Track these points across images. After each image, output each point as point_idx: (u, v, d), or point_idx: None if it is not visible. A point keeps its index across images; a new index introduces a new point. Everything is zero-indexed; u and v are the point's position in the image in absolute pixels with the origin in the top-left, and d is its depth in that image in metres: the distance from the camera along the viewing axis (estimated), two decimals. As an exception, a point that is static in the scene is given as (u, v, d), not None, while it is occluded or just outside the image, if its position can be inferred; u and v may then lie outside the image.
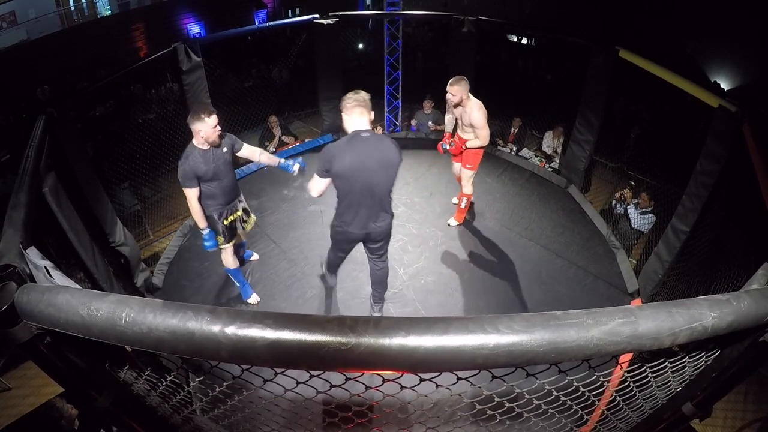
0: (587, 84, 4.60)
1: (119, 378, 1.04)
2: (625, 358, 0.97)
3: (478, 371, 0.75)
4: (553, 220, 4.54)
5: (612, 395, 1.18)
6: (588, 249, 4.19)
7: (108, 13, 12.04)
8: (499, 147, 6.00)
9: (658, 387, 1.10)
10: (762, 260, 0.96)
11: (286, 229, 4.24)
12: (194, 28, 12.96)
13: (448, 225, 4.30)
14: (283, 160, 3.08)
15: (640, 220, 4.55)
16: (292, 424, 1.43)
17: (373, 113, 2.45)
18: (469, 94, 3.51)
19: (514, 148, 6.07)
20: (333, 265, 3.15)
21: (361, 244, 2.85)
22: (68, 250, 2.48)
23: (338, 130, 5.88)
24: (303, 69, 7.35)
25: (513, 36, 10.97)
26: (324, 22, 5.11)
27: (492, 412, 1.07)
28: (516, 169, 5.43)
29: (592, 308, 0.72)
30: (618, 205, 4.94)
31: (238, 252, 3.60)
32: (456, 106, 3.56)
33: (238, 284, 3.42)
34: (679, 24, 8.47)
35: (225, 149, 2.82)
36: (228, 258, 3.19)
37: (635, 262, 4.17)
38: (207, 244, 3.00)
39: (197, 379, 1.07)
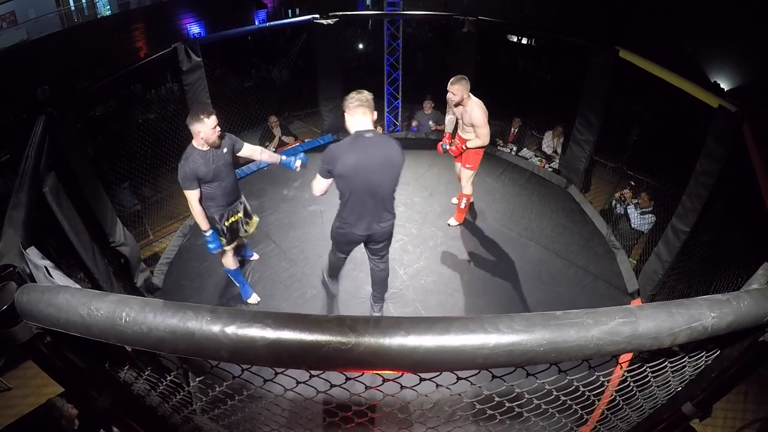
0: (587, 84, 4.60)
1: (119, 378, 1.04)
2: (625, 357, 0.97)
3: (478, 371, 0.75)
4: (553, 220, 4.54)
5: (612, 395, 1.18)
6: (588, 249, 4.19)
7: (108, 13, 12.03)
8: (499, 147, 6.00)
9: (658, 387, 1.10)
10: (762, 260, 0.96)
11: (286, 229, 4.24)
12: (194, 28, 12.96)
13: (448, 225, 4.31)
14: (284, 157, 3.05)
15: (640, 220, 4.55)
16: (292, 424, 1.43)
17: (376, 113, 2.43)
18: (470, 94, 3.52)
19: (514, 148, 6.07)
20: (334, 268, 3.11)
21: (362, 245, 2.84)
22: (68, 250, 2.47)
23: (338, 130, 5.88)
24: (303, 69, 7.35)
25: (513, 36, 10.96)
26: (324, 22, 5.12)
27: (492, 412, 1.07)
28: (516, 169, 5.43)
29: (592, 308, 0.72)
30: (618, 205, 4.94)
31: (240, 252, 3.60)
32: (457, 105, 3.57)
33: (238, 284, 3.42)
34: (679, 24, 8.47)
35: (225, 150, 2.79)
36: (228, 259, 3.18)
37: (635, 262, 4.17)
38: (211, 246, 2.96)
39: (197, 379, 1.07)
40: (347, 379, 0.86)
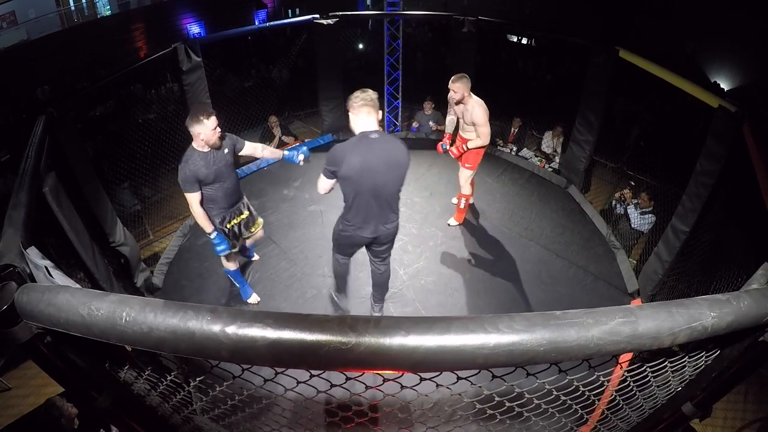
0: (587, 84, 4.60)
1: (119, 378, 1.04)
2: (625, 357, 0.98)
3: (478, 371, 0.75)
4: (553, 220, 4.54)
5: (612, 395, 1.18)
6: (588, 249, 4.19)
7: (108, 13, 12.03)
8: (499, 147, 6.00)
9: (658, 387, 1.10)
10: (762, 260, 0.96)
11: (286, 229, 4.24)
12: (194, 28, 12.96)
13: (448, 225, 4.31)
14: (286, 152, 2.99)
15: (640, 220, 4.56)
16: (292, 424, 1.43)
17: (381, 112, 2.37)
18: (471, 93, 3.52)
19: (514, 148, 6.07)
20: (340, 278, 3.06)
21: (363, 247, 2.82)
22: (68, 250, 2.47)
23: (338, 130, 5.88)
24: (303, 69, 7.35)
25: (513, 36, 10.97)
26: (324, 22, 5.12)
27: (492, 412, 1.07)
28: (516, 169, 5.43)
29: (592, 308, 0.72)
30: (618, 205, 4.94)
31: (244, 253, 3.58)
32: (458, 103, 3.57)
33: (237, 285, 3.41)
34: (679, 24, 8.48)
35: (226, 150, 2.74)
36: (229, 261, 3.15)
37: (635, 262, 4.17)
38: (219, 248, 2.88)
39: (197, 379, 1.07)
40: (347, 378, 0.86)
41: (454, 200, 4.51)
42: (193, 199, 2.68)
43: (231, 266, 3.20)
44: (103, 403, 0.92)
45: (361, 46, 9.09)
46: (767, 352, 0.85)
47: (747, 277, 0.94)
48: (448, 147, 3.92)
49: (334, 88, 5.60)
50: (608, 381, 1.04)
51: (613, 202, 5.05)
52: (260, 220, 3.23)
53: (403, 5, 6.20)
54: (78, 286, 0.86)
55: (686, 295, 3.17)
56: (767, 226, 2.12)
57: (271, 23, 6.93)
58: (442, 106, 5.98)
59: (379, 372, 0.75)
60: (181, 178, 2.62)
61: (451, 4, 11.58)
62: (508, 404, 1.05)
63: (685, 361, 1.00)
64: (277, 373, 0.86)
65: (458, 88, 3.45)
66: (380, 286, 3.05)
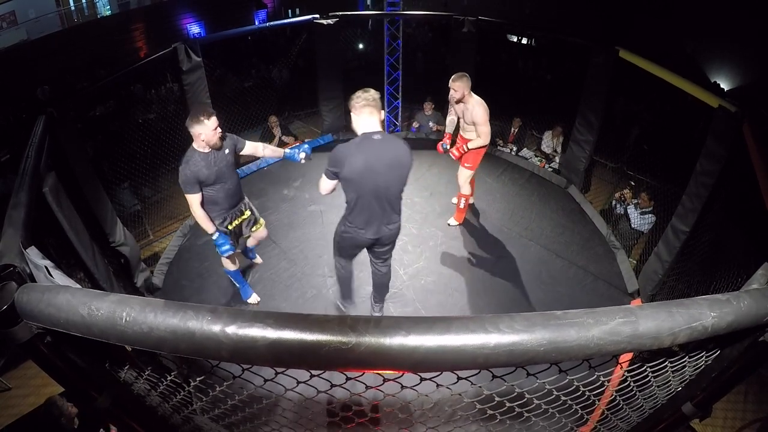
0: (587, 84, 4.60)
1: (119, 378, 1.04)
2: (625, 357, 0.97)
3: (478, 371, 0.75)
4: (553, 220, 4.54)
5: (612, 395, 1.18)
6: (588, 249, 4.19)
7: (108, 13, 12.04)
8: (499, 147, 6.00)
9: (658, 387, 1.10)
10: (762, 260, 0.96)
11: (286, 229, 4.24)
12: (194, 28, 12.96)
13: (448, 225, 4.31)
14: (288, 150, 2.98)
15: (640, 220, 4.56)
16: (292, 424, 1.43)
17: (383, 112, 2.37)
18: (471, 92, 3.52)
19: (514, 148, 6.07)
20: (344, 283, 3.04)
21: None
22: (68, 249, 2.47)
23: (338, 130, 5.88)
24: (303, 69, 7.35)
25: (513, 36, 10.97)
26: (324, 22, 5.12)
27: (492, 412, 1.07)
28: (516, 169, 5.43)
29: (592, 308, 0.72)
30: (618, 205, 4.94)
31: (246, 254, 3.56)
32: (458, 102, 3.57)
33: (237, 285, 3.41)
34: (679, 24, 8.48)
35: (227, 151, 2.71)
36: (228, 261, 3.14)
37: (635, 262, 4.17)
38: (223, 248, 2.84)
39: (197, 379, 1.07)
40: (348, 379, 0.86)
41: (454, 200, 4.50)
42: (194, 200, 2.66)
43: (231, 266, 3.20)
44: (103, 403, 0.92)
45: (361, 46, 9.09)
46: (767, 352, 0.85)
47: (747, 277, 0.94)
48: (448, 147, 3.92)
49: (334, 88, 5.61)
50: (608, 381, 1.04)
51: (613, 202, 5.05)
52: (262, 221, 3.22)
53: (403, 5, 6.20)
54: (78, 286, 0.86)
55: (686, 295, 3.16)
56: (767, 226, 2.12)
57: (271, 23, 6.93)
58: (442, 107, 5.99)
59: (380, 372, 0.75)
60: (181, 180, 2.60)
61: (451, 4, 11.58)
62: (508, 404, 1.05)
63: (685, 361, 1.00)
64: (277, 373, 0.86)
65: (458, 86, 3.45)
66: (381, 287, 3.04)
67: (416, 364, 0.68)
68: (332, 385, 0.92)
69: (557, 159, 5.78)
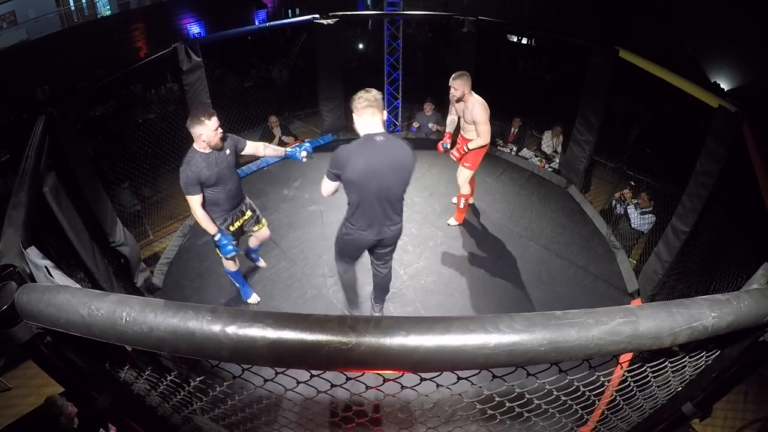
0: (587, 84, 4.60)
1: (119, 378, 1.04)
2: (626, 357, 0.98)
3: (478, 371, 0.75)
4: (553, 220, 4.54)
5: (612, 395, 1.18)
6: (588, 249, 4.19)
7: (108, 13, 12.04)
8: (499, 147, 6.00)
9: (658, 387, 1.10)
10: (762, 260, 0.96)
11: (286, 229, 4.24)
12: (194, 28, 12.96)
13: (448, 225, 4.31)
14: (289, 149, 2.97)
15: (640, 220, 4.56)
16: (292, 424, 1.43)
17: (385, 113, 2.36)
18: (472, 91, 3.53)
19: (514, 148, 6.07)
20: (349, 288, 3.01)
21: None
22: (68, 249, 2.47)
23: (338, 130, 5.89)
24: (303, 69, 7.35)
25: (513, 36, 10.97)
26: (324, 22, 5.12)
27: (492, 412, 1.07)
28: (516, 169, 5.43)
29: (593, 308, 0.72)
30: (618, 205, 4.94)
31: (249, 256, 3.54)
32: (458, 101, 3.57)
33: (238, 285, 3.41)
34: (679, 24, 8.48)
35: (228, 151, 2.70)
36: (229, 261, 3.12)
37: (635, 262, 4.17)
38: (227, 249, 2.80)
39: (197, 379, 1.07)
40: (348, 379, 0.86)
41: (454, 200, 4.51)
42: (195, 201, 2.65)
43: (231, 267, 3.19)
44: (103, 403, 0.92)
45: (361, 46, 9.09)
46: (767, 352, 0.85)
47: (747, 277, 0.94)
48: (448, 147, 3.92)
49: (334, 88, 5.61)
50: (608, 381, 1.04)
51: (613, 202, 5.05)
52: (264, 221, 3.21)
53: (403, 5, 6.20)
54: (78, 286, 0.86)
55: (686, 295, 3.16)
56: (767, 226, 2.12)
57: (271, 23, 6.93)
58: (442, 108, 5.99)
59: (380, 372, 0.74)
60: (182, 181, 2.58)
61: (451, 4, 11.58)
62: (508, 404, 1.05)
63: (685, 361, 1.00)
64: (277, 373, 0.85)
65: (459, 85, 3.46)
66: (381, 288, 3.04)
67: (416, 365, 0.67)
68: (332, 386, 0.92)
69: (557, 159, 5.78)
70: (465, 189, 4.04)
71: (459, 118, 3.84)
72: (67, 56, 10.05)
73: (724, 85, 8.35)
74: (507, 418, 1.11)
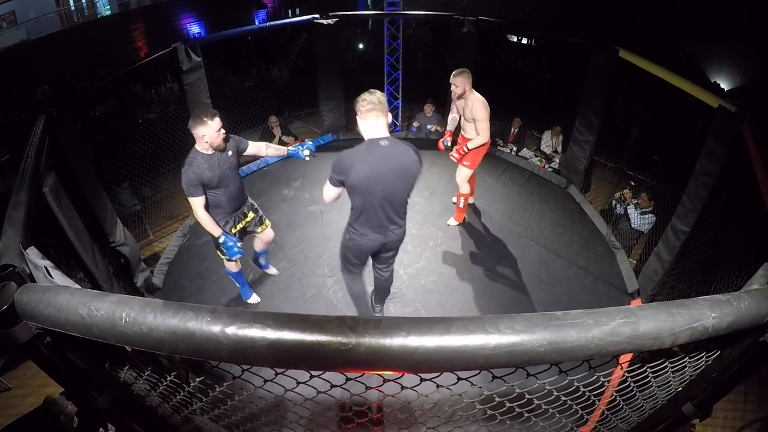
0: (587, 84, 4.60)
1: (119, 378, 1.04)
2: (626, 358, 0.97)
3: (478, 371, 0.75)
4: (553, 220, 4.54)
5: (612, 395, 1.18)
6: (588, 249, 4.19)
7: (108, 13, 12.03)
8: (499, 147, 6.00)
9: (658, 387, 1.10)
10: (762, 260, 0.96)
11: (286, 229, 4.24)
12: (194, 28, 12.96)
13: (448, 225, 4.31)
14: (291, 148, 2.94)
15: (640, 220, 4.56)
16: (292, 424, 1.43)
17: (390, 115, 2.27)
18: (472, 89, 3.53)
19: (514, 148, 6.07)
20: (358, 296, 2.96)
21: None
22: (68, 250, 2.47)
23: (338, 130, 5.89)
24: (303, 69, 7.35)
25: (513, 36, 10.96)
26: (324, 22, 5.12)
27: (492, 412, 1.07)
28: (516, 169, 5.43)
29: (593, 308, 0.71)
30: (618, 205, 4.94)
31: (257, 262, 3.51)
32: (459, 98, 3.58)
33: (238, 285, 3.41)
34: (679, 24, 8.48)
35: (230, 152, 2.67)
36: (231, 263, 3.10)
37: (635, 262, 4.17)
38: (234, 250, 2.73)
39: (197, 379, 1.07)
40: (348, 379, 0.86)
41: (454, 200, 4.51)
42: (198, 203, 2.61)
43: (233, 267, 3.18)
44: (103, 403, 0.92)
45: (361, 46, 9.09)
46: (767, 352, 0.85)
47: (747, 277, 0.94)
48: (449, 144, 3.93)
49: (334, 88, 5.61)
50: (608, 381, 1.04)
51: (613, 202, 5.05)
52: (268, 222, 3.18)
53: (403, 5, 6.20)
54: (78, 286, 0.86)
55: (686, 296, 3.18)
56: (767, 226, 2.12)
57: (271, 23, 6.93)
58: (442, 108, 5.99)
59: (380, 372, 0.74)
60: (184, 182, 2.54)
61: (451, 4, 11.58)
62: (508, 405, 1.05)
63: (685, 361, 1.00)
64: (277, 374, 0.85)
65: (459, 82, 3.46)
66: (382, 291, 3.03)
67: (416, 365, 0.67)
68: (332, 386, 0.92)
69: (557, 159, 5.78)
70: (464, 188, 4.04)
71: (459, 117, 3.84)
72: (67, 56, 10.05)
73: (724, 85, 8.35)
74: (507, 418, 1.11)
